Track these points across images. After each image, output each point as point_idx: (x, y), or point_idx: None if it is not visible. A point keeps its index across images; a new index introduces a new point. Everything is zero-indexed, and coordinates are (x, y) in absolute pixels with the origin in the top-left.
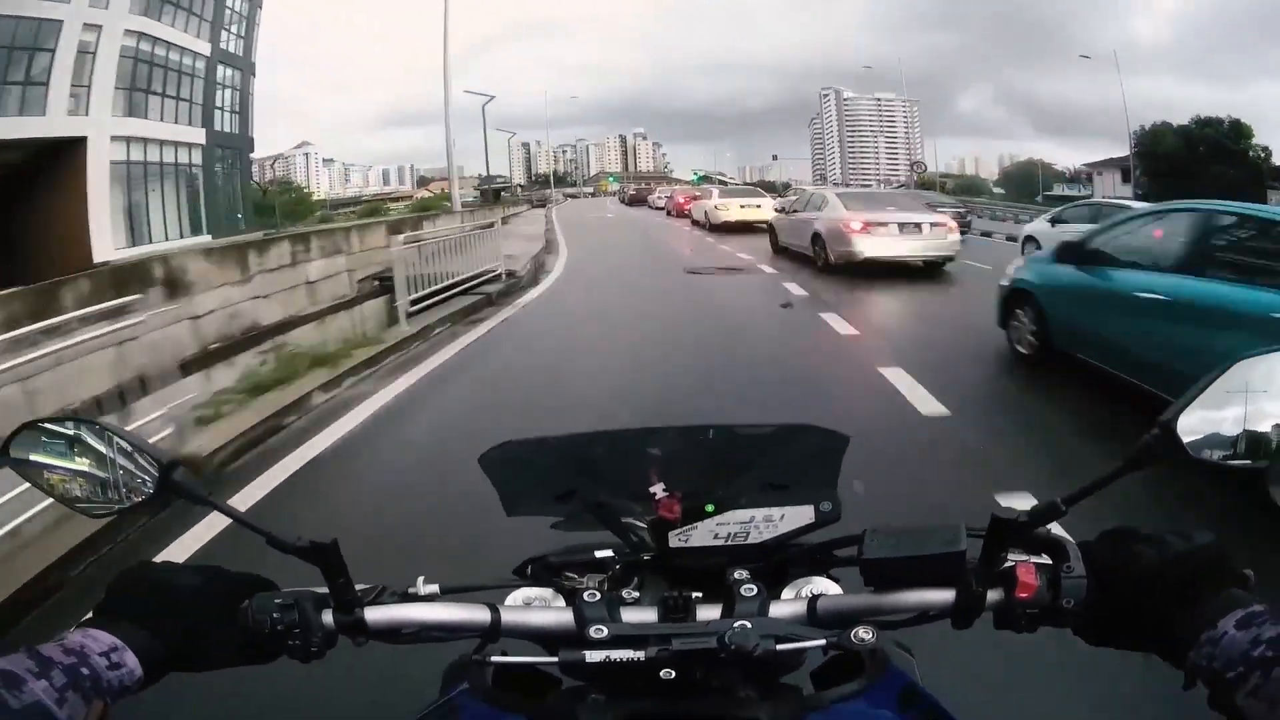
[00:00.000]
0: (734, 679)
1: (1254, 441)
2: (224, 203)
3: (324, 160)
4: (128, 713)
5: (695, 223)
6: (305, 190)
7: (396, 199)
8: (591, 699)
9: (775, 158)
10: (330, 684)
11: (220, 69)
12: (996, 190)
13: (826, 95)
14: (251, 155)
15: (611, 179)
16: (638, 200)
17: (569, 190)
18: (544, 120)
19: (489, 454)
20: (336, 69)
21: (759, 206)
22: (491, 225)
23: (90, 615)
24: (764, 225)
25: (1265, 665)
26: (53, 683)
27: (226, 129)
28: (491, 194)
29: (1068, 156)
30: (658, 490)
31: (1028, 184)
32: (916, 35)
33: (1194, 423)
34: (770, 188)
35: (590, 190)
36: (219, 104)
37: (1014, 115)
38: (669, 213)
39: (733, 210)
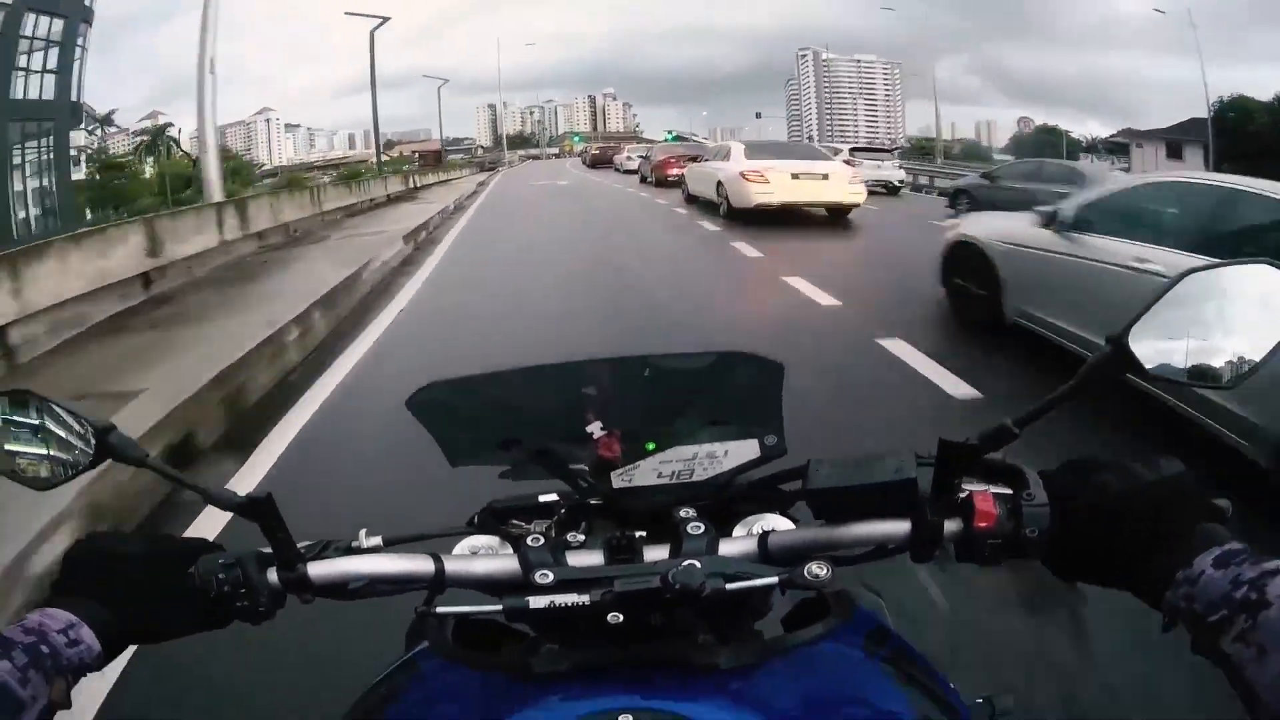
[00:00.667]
0: (692, 624)
1: (1206, 361)
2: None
3: (286, 126)
4: (91, 687)
5: (691, 199)
6: (242, 158)
7: (344, 164)
8: (545, 649)
9: (759, 115)
10: (292, 649)
11: (29, 19)
12: (1002, 158)
13: (804, 55)
14: (109, 125)
15: (576, 138)
16: (601, 161)
17: (531, 152)
18: (513, 84)
19: (416, 396)
20: (302, 36)
21: (827, 179)
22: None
23: (50, 594)
24: (839, 209)
25: (1250, 608)
26: (14, 663)
27: (34, 95)
28: (431, 157)
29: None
30: (595, 429)
31: (1045, 154)
32: (895, 4)
33: (1146, 339)
34: None
35: (555, 151)
36: (21, 64)
37: (986, 84)
38: (644, 179)
39: (783, 185)
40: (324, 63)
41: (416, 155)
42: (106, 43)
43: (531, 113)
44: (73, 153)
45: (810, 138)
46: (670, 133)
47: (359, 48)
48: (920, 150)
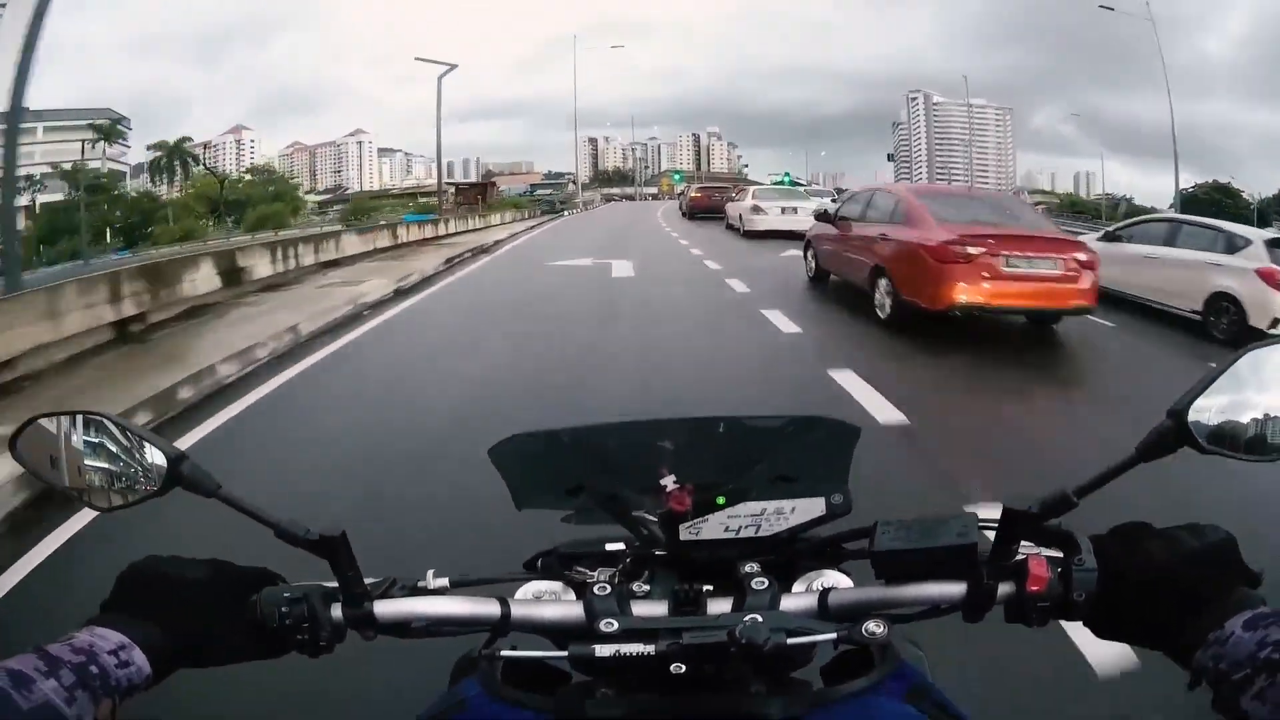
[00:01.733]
0: (744, 674)
1: (1265, 433)
2: None
3: (380, 150)
4: (137, 710)
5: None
6: (291, 181)
7: (415, 194)
8: (601, 693)
9: (891, 158)
10: (338, 678)
11: None
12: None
13: (915, 98)
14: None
15: (677, 176)
16: (706, 209)
17: (612, 192)
18: (616, 120)
19: (498, 447)
20: (409, 62)
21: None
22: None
23: (98, 612)
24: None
25: (1272, 668)
26: (61, 682)
27: None
28: (473, 193)
29: (1133, 176)
30: (668, 483)
31: (1219, 213)
32: (989, 51)
33: (1205, 413)
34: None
35: (653, 191)
36: None
37: (1080, 133)
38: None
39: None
40: (432, 87)
41: (452, 191)
42: (209, 58)
43: (634, 149)
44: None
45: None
46: (785, 174)
47: (466, 76)
48: (1071, 207)
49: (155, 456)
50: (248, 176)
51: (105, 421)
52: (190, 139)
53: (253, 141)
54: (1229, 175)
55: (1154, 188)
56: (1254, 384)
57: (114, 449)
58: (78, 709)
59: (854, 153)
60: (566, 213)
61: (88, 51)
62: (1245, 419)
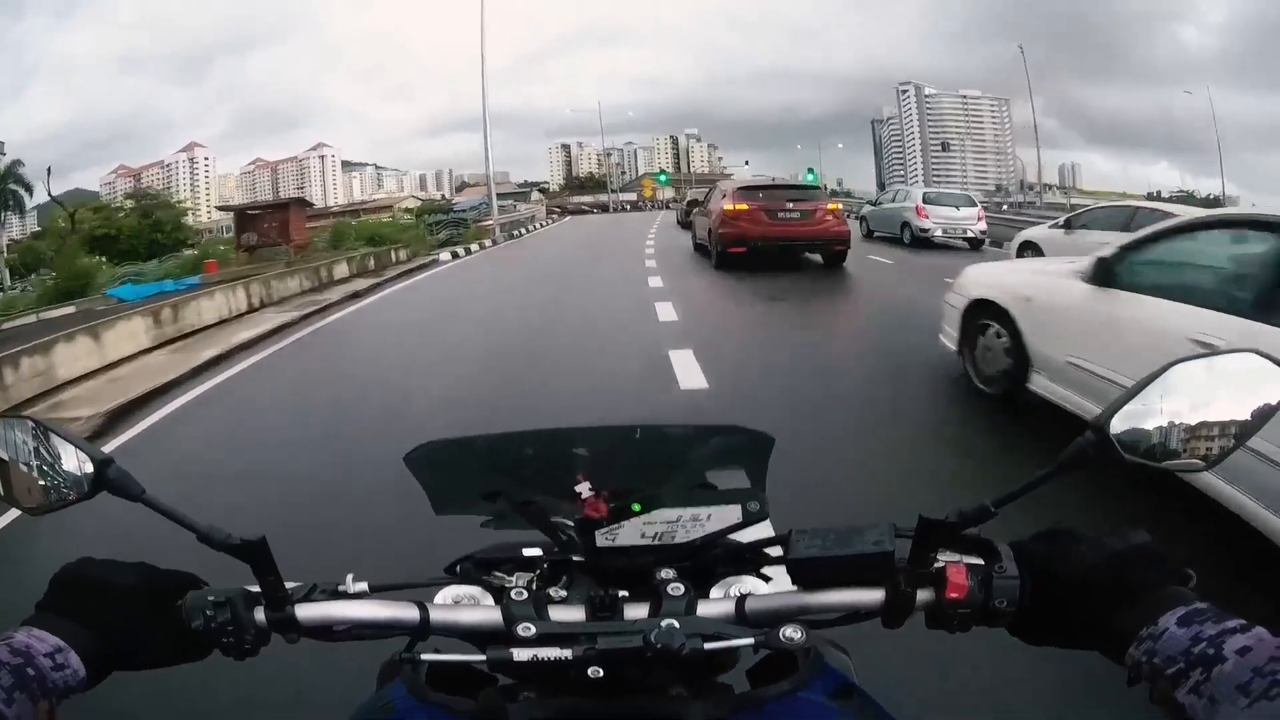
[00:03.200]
0: (666, 678)
1: (1186, 445)
2: None
3: (345, 164)
4: (74, 713)
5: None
6: (176, 203)
7: (369, 210)
8: (523, 697)
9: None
10: (267, 682)
11: None
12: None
13: (905, 91)
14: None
15: (662, 177)
16: (765, 241)
17: (594, 199)
18: (593, 129)
19: (414, 453)
20: (392, 75)
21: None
22: None
23: (34, 612)
24: None
25: (1207, 662)
26: (1, 684)
27: None
28: (265, 222)
29: (1115, 168)
30: (584, 489)
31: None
32: (967, 47)
33: (1128, 425)
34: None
35: (630, 198)
36: None
37: (1064, 126)
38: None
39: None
40: (410, 100)
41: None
42: (191, 75)
43: (609, 154)
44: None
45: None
46: (810, 171)
47: (443, 85)
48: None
49: (82, 460)
50: (129, 203)
51: (32, 424)
52: (21, 163)
53: (208, 160)
54: (1210, 161)
55: (1136, 178)
56: (1182, 396)
57: (42, 452)
58: (17, 709)
59: (836, 152)
60: (489, 241)
61: (72, 71)
62: (1171, 430)
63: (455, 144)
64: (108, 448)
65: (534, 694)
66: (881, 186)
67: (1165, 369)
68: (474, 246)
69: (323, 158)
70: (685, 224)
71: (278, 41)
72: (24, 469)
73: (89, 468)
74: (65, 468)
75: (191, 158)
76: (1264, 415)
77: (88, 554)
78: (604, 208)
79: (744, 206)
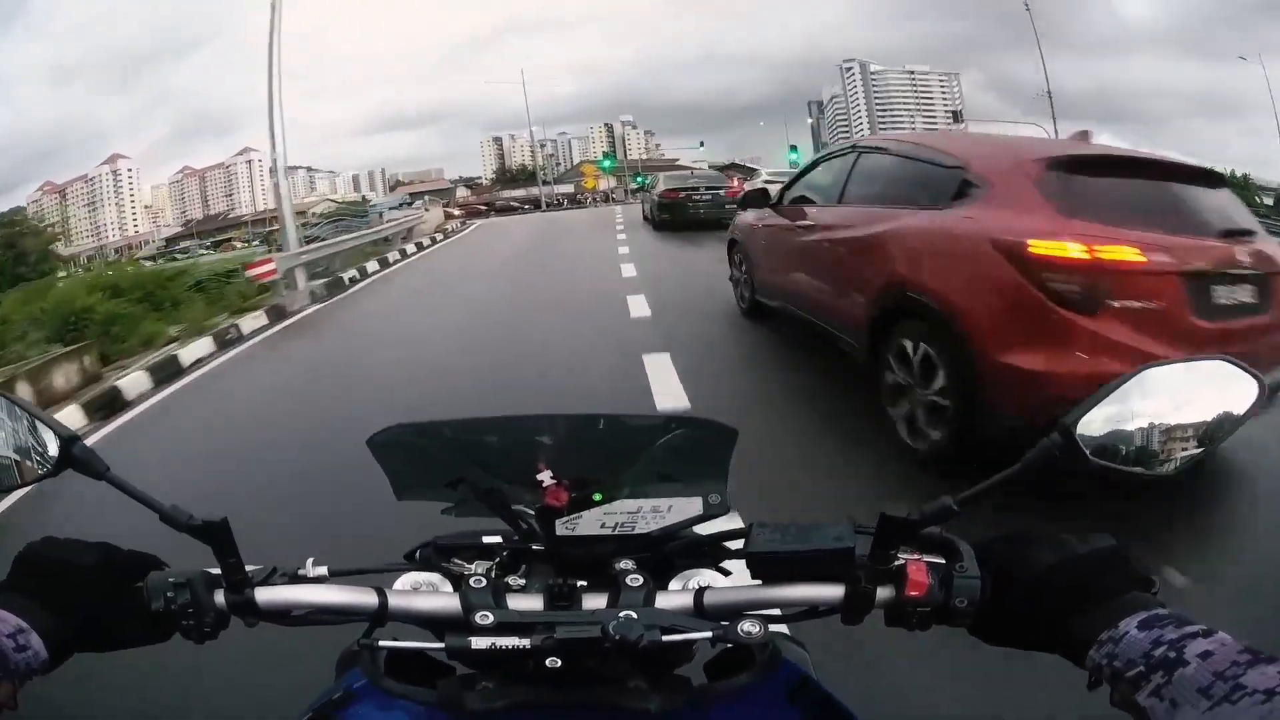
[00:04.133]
0: (624, 669)
1: (1153, 450)
2: None
3: (270, 169)
4: (36, 694)
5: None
6: (45, 227)
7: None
8: (481, 686)
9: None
10: (227, 667)
11: None
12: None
13: (850, 68)
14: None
15: (606, 163)
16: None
17: (526, 194)
18: (530, 120)
19: (377, 437)
20: (327, 75)
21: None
22: None
23: None
24: None
25: (1168, 666)
26: None
27: None
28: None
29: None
30: (545, 478)
31: None
32: (904, 25)
33: (1095, 428)
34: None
35: (567, 190)
36: None
37: (1004, 101)
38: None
39: None
40: (346, 100)
41: None
42: (126, 84)
43: (543, 145)
44: None
45: None
46: (792, 148)
47: (382, 83)
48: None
49: (48, 437)
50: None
51: (2, 399)
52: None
53: (130, 171)
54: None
55: None
56: (1151, 401)
57: (9, 427)
58: None
59: (772, 136)
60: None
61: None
62: (1139, 434)
63: (390, 143)
64: None
65: (492, 683)
66: None
67: (1135, 373)
68: (246, 323)
69: (249, 162)
70: (662, 222)
71: (205, 46)
72: None
73: (55, 444)
74: (32, 444)
75: (114, 170)
76: (1233, 422)
77: (52, 534)
78: (534, 203)
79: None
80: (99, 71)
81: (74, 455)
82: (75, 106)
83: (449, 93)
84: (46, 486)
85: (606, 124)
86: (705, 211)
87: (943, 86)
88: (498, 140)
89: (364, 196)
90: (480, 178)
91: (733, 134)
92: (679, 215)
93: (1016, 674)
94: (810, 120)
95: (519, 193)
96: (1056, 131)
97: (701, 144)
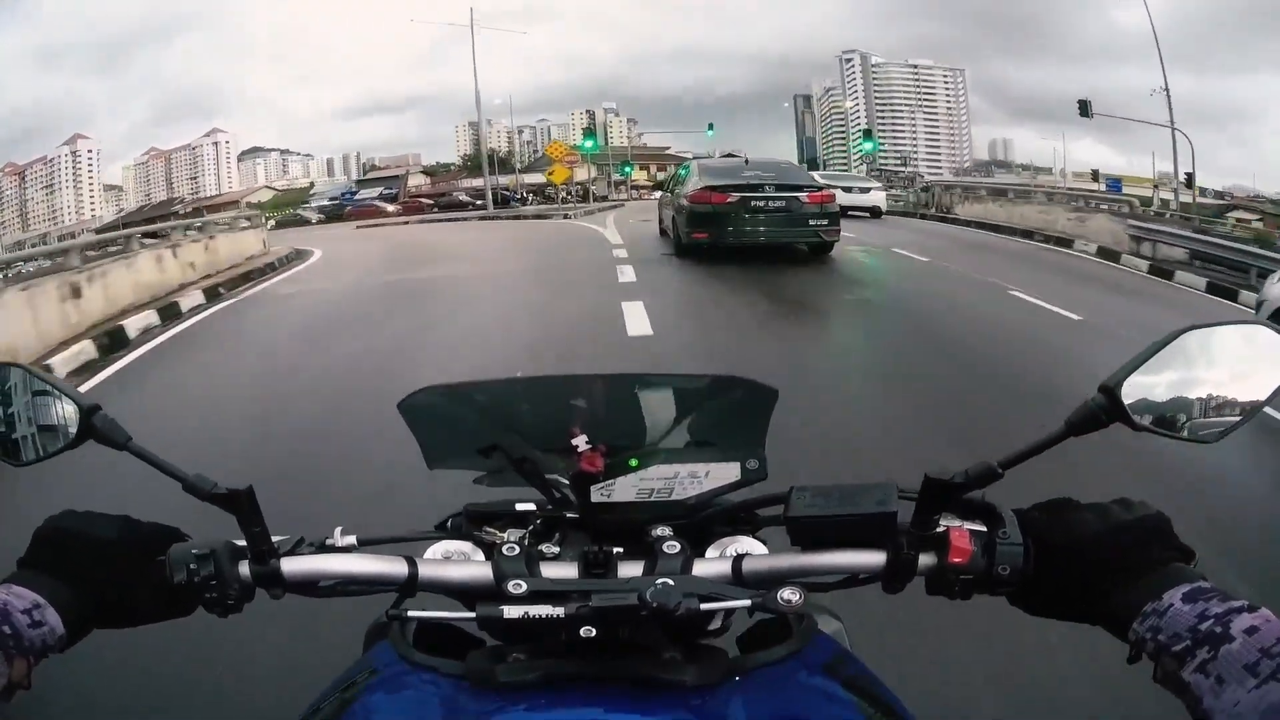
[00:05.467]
0: (658, 640)
1: (1195, 415)
2: None
3: (246, 151)
4: (53, 670)
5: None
6: None
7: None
8: (512, 658)
9: None
10: (251, 643)
11: None
12: None
13: (850, 59)
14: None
15: (587, 142)
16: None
17: (467, 189)
18: (511, 110)
19: (408, 400)
20: (307, 59)
21: None
22: None
23: (15, 569)
24: None
25: (1214, 641)
26: None
27: None
28: None
29: (1044, 144)
30: (580, 443)
31: None
32: (892, 26)
33: (1138, 390)
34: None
35: (537, 179)
36: None
37: (992, 104)
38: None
39: None
40: (326, 84)
41: None
42: (111, 65)
43: (520, 132)
44: None
45: (817, 163)
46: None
47: (358, 71)
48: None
49: (68, 407)
50: None
51: (16, 370)
52: None
53: (91, 153)
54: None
55: (1066, 155)
56: (1191, 364)
57: (26, 399)
58: None
59: (757, 128)
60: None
61: None
62: (1181, 399)
63: (370, 128)
64: None
65: (523, 655)
66: (812, 164)
67: (1175, 335)
68: None
69: (216, 144)
70: (692, 244)
71: (196, 29)
72: (7, 417)
73: (75, 415)
74: (52, 415)
75: (74, 150)
76: (1273, 391)
77: (71, 507)
78: (478, 200)
79: None
80: (83, 55)
81: (95, 426)
82: (57, 87)
83: (430, 76)
84: (64, 457)
85: (588, 111)
86: (774, 230)
87: (946, 82)
88: (472, 125)
89: (311, 182)
90: (454, 164)
91: (720, 127)
92: (726, 234)
93: (1053, 645)
94: (796, 115)
95: (478, 182)
96: (1174, 130)
97: (711, 127)
